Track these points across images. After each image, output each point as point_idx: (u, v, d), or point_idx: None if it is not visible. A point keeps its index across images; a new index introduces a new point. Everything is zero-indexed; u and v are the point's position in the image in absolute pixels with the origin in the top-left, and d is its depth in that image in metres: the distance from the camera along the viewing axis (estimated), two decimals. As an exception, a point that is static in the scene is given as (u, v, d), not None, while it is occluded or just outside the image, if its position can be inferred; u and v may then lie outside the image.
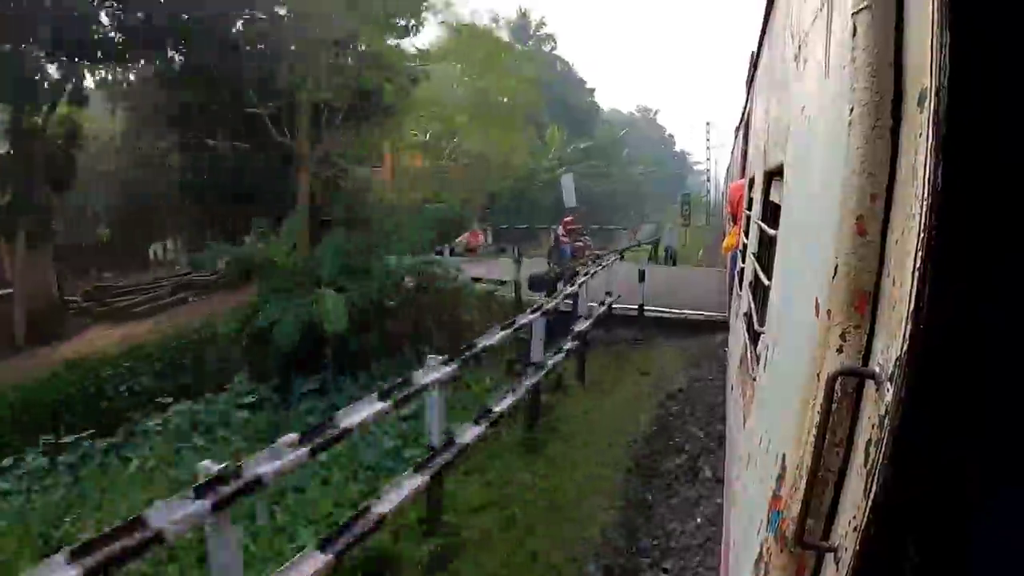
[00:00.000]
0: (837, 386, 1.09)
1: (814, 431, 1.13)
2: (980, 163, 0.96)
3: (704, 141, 47.63)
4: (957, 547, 1.07)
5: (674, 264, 25.78)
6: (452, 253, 23.70)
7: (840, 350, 1.12)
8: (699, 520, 5.75)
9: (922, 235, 0.93)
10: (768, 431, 1.72)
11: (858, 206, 1.10)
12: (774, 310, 2.05)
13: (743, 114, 9.07)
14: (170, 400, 12.61)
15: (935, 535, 1.07)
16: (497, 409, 6.90)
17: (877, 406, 1.02)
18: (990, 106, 0.95)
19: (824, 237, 1.23)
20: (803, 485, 1.16)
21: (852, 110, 1.13)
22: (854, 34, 1.16)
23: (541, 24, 52.82)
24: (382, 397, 5.02)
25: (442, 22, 23.64)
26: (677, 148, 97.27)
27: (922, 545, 1.06)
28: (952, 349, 0.98)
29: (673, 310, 14.10)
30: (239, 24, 18.00)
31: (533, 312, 8.49)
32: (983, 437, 1.03)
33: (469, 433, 6.28)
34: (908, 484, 1.01)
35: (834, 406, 1.10)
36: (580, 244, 23.60)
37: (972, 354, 1.00)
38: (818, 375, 1.17)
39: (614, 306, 13.12)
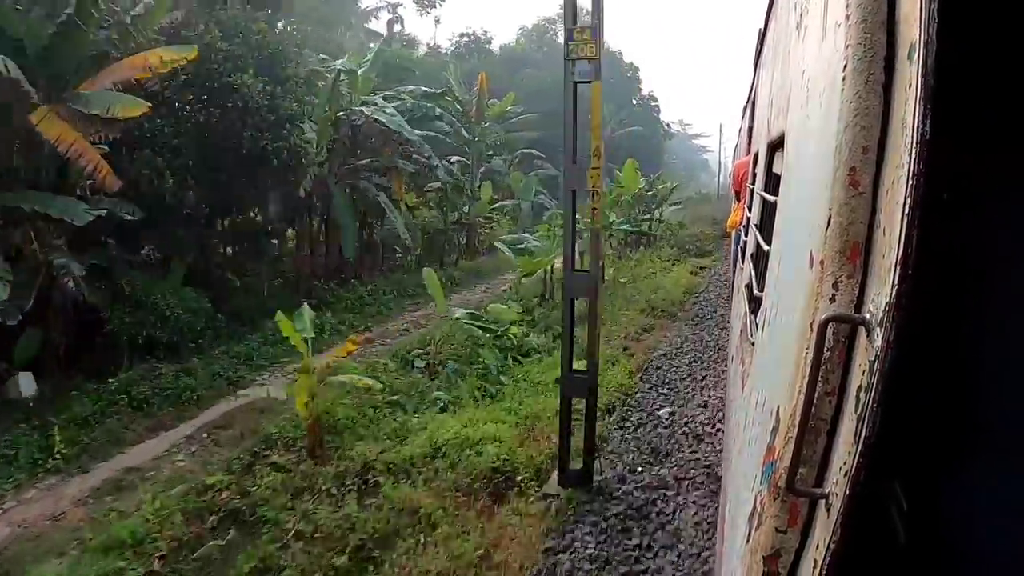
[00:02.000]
0: (829, 333, 1.12)
1: (807, 380, 1.17)
2: (968, 113, 0.98)
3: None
4: (943, 489, 1.11)
5: None
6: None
7: (833, 299, 1.15)
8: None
9: (911, 183, 0.95)
10: (764, 388, 1.75)
11: (851, 158, 1.13)
12: (772, 273, 2.08)
13: (750, 92, 9.00)
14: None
15: (922, 478, 1.10)
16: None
17: (868, 352, 1.05)
18: (978, 57, 0.97)
19: (819, 192, 1.26)
20: (795, 434, 1.19)
21: (846, 66, 1.16)
22: None
23: None
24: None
25: None
26: (646, 93, 53.54)
27: (909, 488, 1.10)
28: (940, 295, 1.01)
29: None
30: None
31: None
32: (971, 380, 1.06)
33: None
34: (897, 428, 1.04)
35: (826, 354, 1.13)
36: None
37: (960, 299, 1.03)
38: (811, 325, 1.20)
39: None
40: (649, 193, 24.23)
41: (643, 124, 47.27)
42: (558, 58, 5.94)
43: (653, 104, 54.50)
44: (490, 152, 25.88)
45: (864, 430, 1.03)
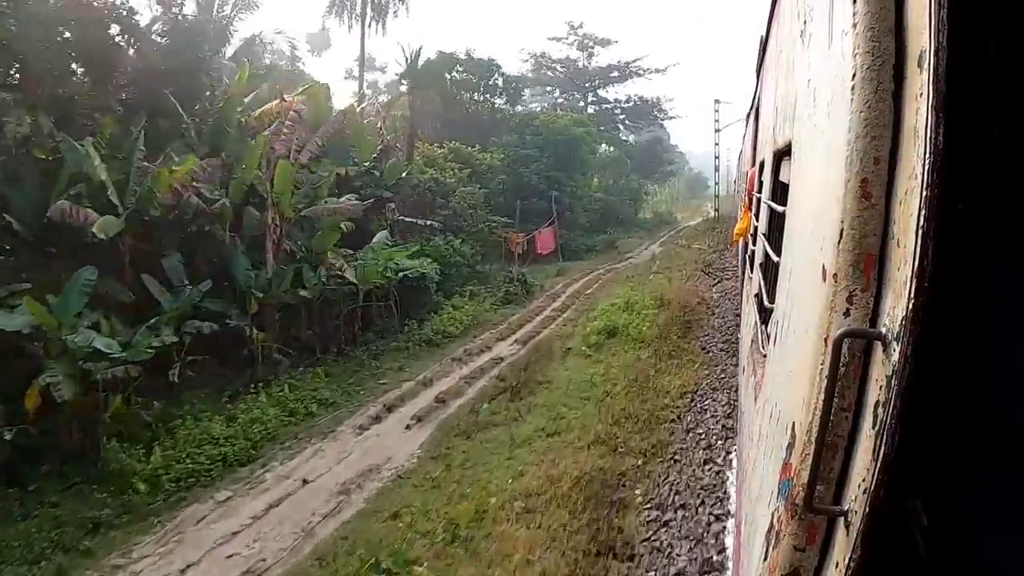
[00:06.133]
0: (844, 348, 1.09)
1: (822, 396, 1.14)
2: (982, 121, 0.96)
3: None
4: (965, 506, 1.08)
5: None
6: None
7: (847, 313, 1.12)
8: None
9: (925, 194, 0.93)
10: (778, 403, 1.72)
11: (863, 169, 1.11)
12: (783, 284, 2.05)
13: (753, 100, 9.00)
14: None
15: (943, 495, 1.07)
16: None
17: (884, 367, 1.02)
18: (990, 63, 0.95)
19: (830, 203, 1.24)
20: (812, 451, 1.16)
21: (854, 75, 1.14)
22: (855, 1, 1.16)
23: None
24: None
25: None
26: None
27: (930, 506, 1.07)
28: (958, 307, 0.99)
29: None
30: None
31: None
32: (991, 394, 1.03)
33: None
34: (916, 443, 1.01)
35: (841, 370, 1.11)
36: None
37: (977, 311, 1.01)
38: (825, 339, 1.17)
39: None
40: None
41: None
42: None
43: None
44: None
45: (883, 447, 1.01)
